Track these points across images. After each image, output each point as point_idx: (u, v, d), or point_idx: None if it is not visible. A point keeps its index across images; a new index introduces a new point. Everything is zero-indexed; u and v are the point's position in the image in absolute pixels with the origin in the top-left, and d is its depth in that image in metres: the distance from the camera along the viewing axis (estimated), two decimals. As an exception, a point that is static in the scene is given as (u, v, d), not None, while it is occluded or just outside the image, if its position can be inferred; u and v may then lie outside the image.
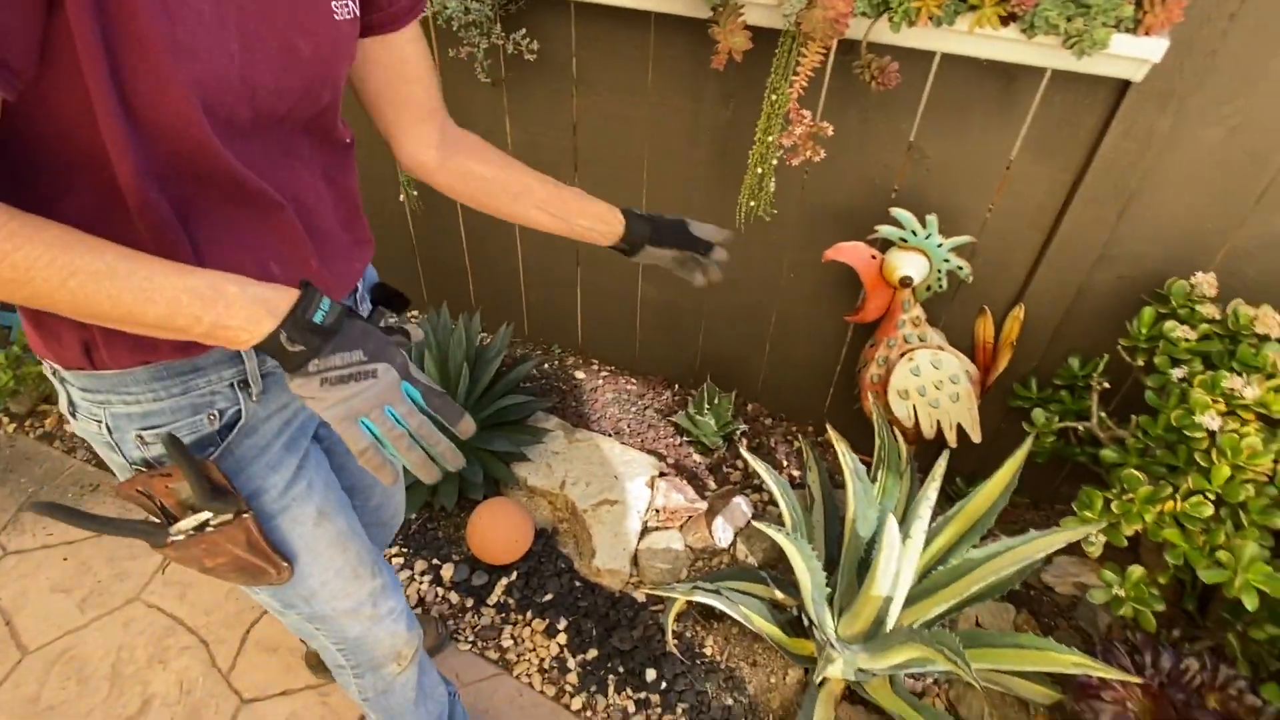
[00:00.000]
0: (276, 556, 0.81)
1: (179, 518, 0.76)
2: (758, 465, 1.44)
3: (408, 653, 1.08)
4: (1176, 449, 1.22)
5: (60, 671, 1.54)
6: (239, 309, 0.60)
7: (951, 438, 1.63)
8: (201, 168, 0.62)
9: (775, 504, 1.79)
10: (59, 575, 1.71)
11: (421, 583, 1.69)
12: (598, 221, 0.97)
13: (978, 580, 1.21)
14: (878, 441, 1.45)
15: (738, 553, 1.70)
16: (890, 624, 1.30)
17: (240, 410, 0.77)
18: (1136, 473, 1.19)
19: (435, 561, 1.73)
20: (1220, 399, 1.16)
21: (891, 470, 1.43)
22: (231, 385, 0.76)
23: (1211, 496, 1.14)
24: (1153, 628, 1.21)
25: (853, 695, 1.50)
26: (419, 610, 1.65)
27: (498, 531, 1.65)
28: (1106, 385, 1.42)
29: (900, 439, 1.66)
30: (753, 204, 1.54)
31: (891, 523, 1.08)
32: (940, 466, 1.25)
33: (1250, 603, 1.06)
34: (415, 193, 1.95)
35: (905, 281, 1.51)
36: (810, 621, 1.39)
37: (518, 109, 1.81)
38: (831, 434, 1.38)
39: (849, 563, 1.37)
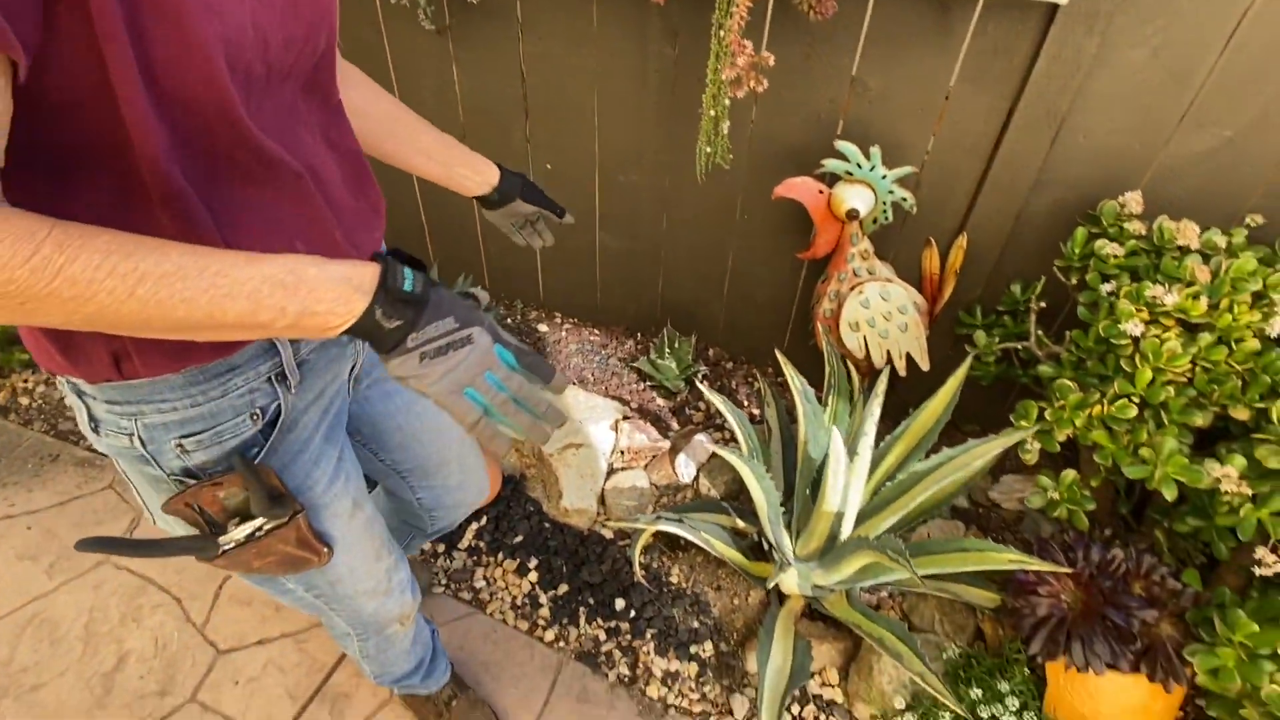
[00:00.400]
0: (320, 544, 0.82)
1: (225, 525, 0.73)
2: (714, 398, 1.48)
3: (410, 614, 1.13)
4: (1105, 359, 1.28)
5: (32, 635, 1.54)
6: (325, 291, 0.54)
7: (901, 367, 1.69)
8: (222, 141, 0.56)
9: (735, 439, 1.84)
10: (24, 544, 1.70)
11: (392, 532, 1.72)
12: (474, 171, 0.99)
13: (924, 491, 1.27)
14: (828, 369, 1.50)
15: (700, 487, 1.75)
16: (843, 540, 1.36)
17: (280, 405, 0.74)
18: (1068, 382, 1.25)
19: (405, 511, 1.76)
20: (1144, 308, 1.22)
21: (842, 396, 1.48)
22: (269, 380, 0.72)
23: (1135, 400, 1.20)
24: (1085, 526, 1.28)
25: (812, 613, 1.57)
26: (391, 558, 1.68)
27: (465, 477, 1.68)
28: (1044, 305, 1.48)
29: (853, 370, 1.71)
30: (709, 150, 1.55)
31: (836, 437, 1.13)
32: (882, 384, 1.30)
33: (1169, 493, 1.13)
34: (366, 147, 1.93)
35: (852, 214, 1.55)
36: (769, 544, 1.45)
37: (465, 57, 1.79)
38: (780, 358, 1.41)
39: (803, 485, 1.43)
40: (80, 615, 1.57)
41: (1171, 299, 1.19)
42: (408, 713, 1.43)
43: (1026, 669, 1.34)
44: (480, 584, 1.64)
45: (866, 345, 1.70)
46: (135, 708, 1.44)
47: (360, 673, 1.49)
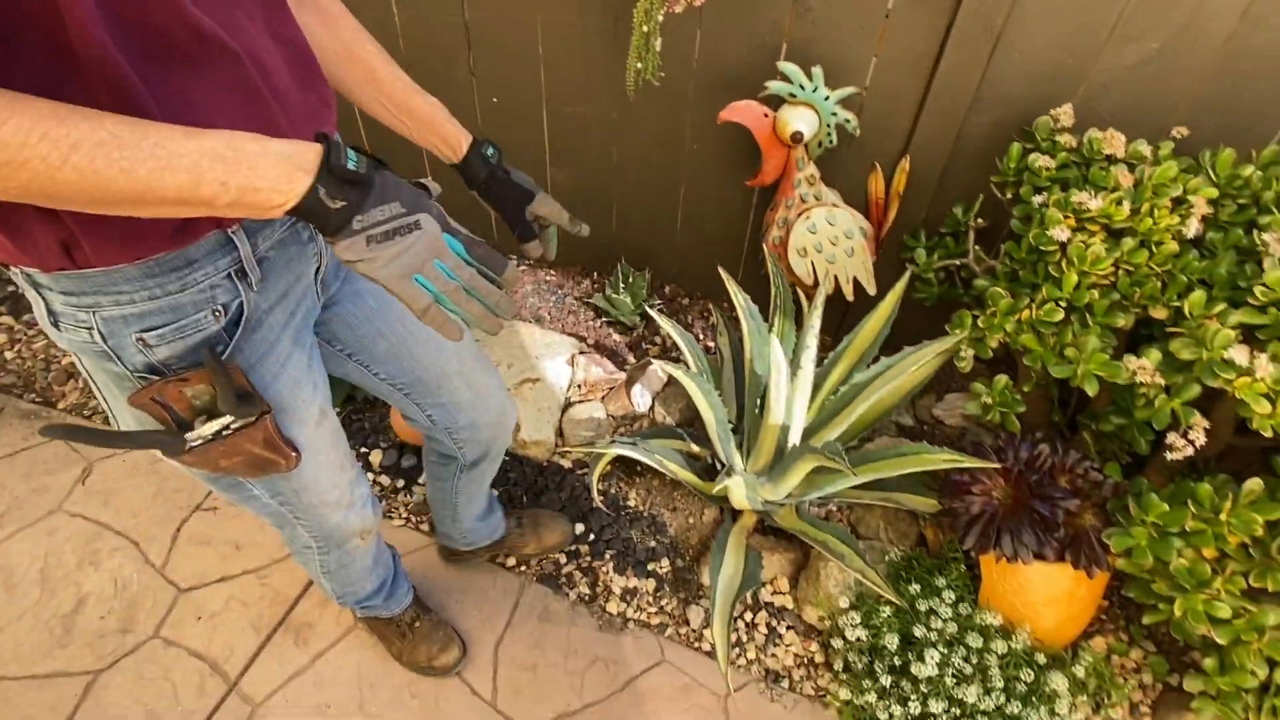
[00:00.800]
0: (287, 448, 0.82)
1: (192, 423, 0.73)
2: (664, 323, 1.50)
3: (372, 529, 1.14)
4: (1036, 267, 1.33)
5: (-14, 582, 1.53)
6: (266, 168, 0.54)
7: (849, 291, 1.73)
8: (155, 12, 0.54)
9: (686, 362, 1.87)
10: (-28, 495, 1.68)
11: (351, 470, 1.73)
12: (442, 144, 0.94)
13: (865, 402, 1.31)
14: (773, 290, 1.53)
15: (656, 415, 1.78)
16: (789, 452, 1.41)
17: (243, 303, 0.73)
18: (999, 289, 1.30)
19: (363, 449, 1.76)
20: (1070, 215, 1.26)
21: (787, 317, 1.52)
22: (229, 276, 0.71)
23: (1062, 304, 1.25)
24: (1016, 429, 1.34)
25: (765, 529, 1.63)
26: (351, 495, 1.70)
27: (421, 413, 1.69)
28: (984, 224, 1.52)
29: (802, 296, 1.74)
30: (640, 65, 1.54)
31: (776, 347, 1.16)
32: (820, 297, 1.33)
33: (1090, 388, 1.19)
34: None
35: (796, 137, 1.56)
36: (721, 462, 1.49)
37: (402, -15, 1.75)
38: (724, 275, 1.42)
39: (751, 404, 1.47)
40: (35, 561, 1.57)
41: (1096, 204, 1.23)
42: (372, 637, 1.46)
43: (963, 566, 1.41)
44: (441, 516, 1.67)
45: (814, 271, 1.73)
46: (97, 646, 1.45)
47: (325, 601, 1.52)
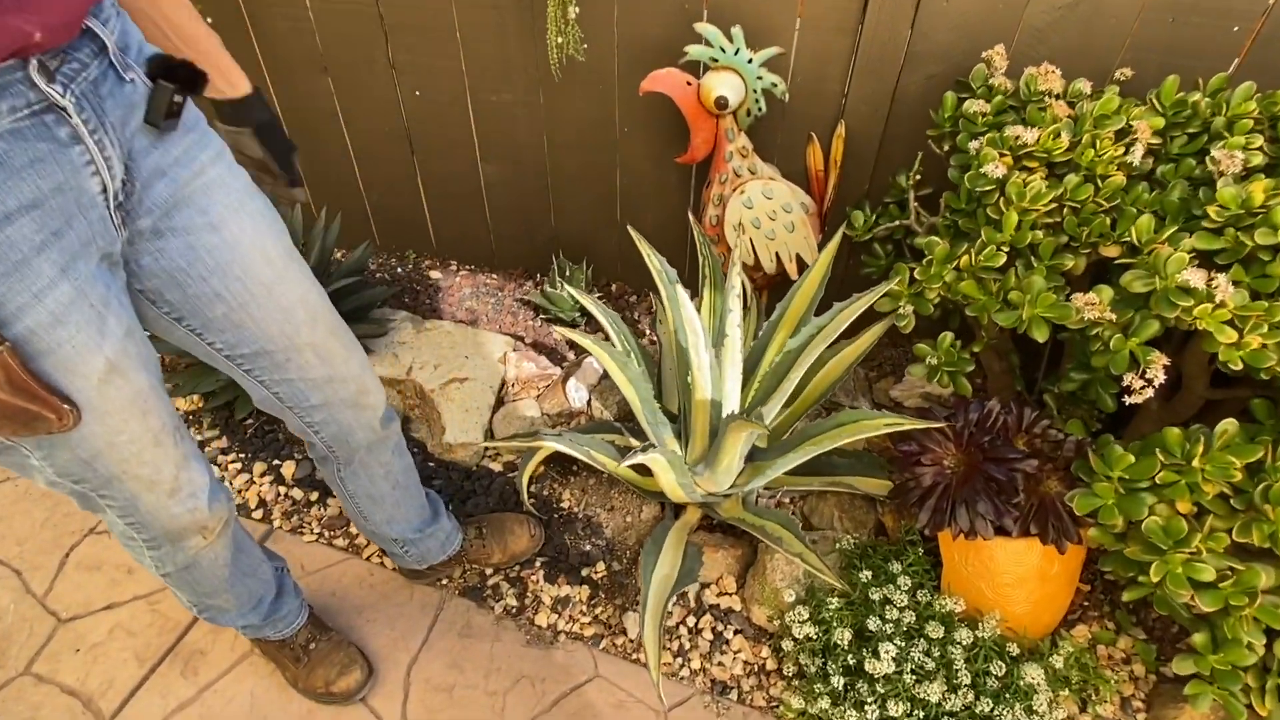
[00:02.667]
0: (52, 397, 0.68)
1: None
2: (585, 300, 1.39)
3: (214, 526, 0.99)
4: (975, 215, 1.22)
5: None
6: None
7: (792, 270, 1.62)
8: None
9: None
10: None
11: (262, 484, 1.59)
12: (221, 78, 0.84)
13: (800, 369, 1.19)
14: (701, 260, 1.41)
15: (594, 411, 1.65)
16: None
17: None
18: (934, 238, 1.19)
19: (275, 462, 1.63)
20: (1007, 152, 1.16)
21: (717, 289, 1.40)
22: None
23: (1004, 248, 1.14)
24: (968, 391, 1.22)
25: (711, 526, 1.48)
26: (260, 513, 1.55)
27: (335, 417, 1.55)
28: (923, 183, 1.42)
29: (746, 282, 1.63)
30: (560, 40, 1.47)
31: (686, 302, 1.04)
32: (737, 255, 1.21)
33: (1040, 333, 1.07)
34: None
35: (721, 103, 1.47)
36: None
37: (312, -25, 1.68)
38: (634, 234, 1.30)
39: (682, 382, 1.34)
40: (-98, 596, 1.41)
41: (1033, 136, 1.13)
42: (270, 664, 1.30)
43: (921, 551, 1.26)
44: (357, 530, 1.52)
45: (754, 249, 1.62)
46: (-42, 686, 1.29)
47: (218, 627, 1.36)
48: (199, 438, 1.69)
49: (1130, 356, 1.02)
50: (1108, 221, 1.11)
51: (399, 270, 2.14)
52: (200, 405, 1.73)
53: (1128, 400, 0.99)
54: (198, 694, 1.28)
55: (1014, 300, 1.09)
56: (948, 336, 1.21)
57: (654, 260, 1.20)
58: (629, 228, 1.32)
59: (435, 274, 2.12)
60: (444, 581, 1.43)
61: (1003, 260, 1.13)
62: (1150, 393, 0.96)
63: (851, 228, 1.45)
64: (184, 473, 0.89)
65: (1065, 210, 1.14)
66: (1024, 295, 1.08)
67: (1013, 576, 1.16)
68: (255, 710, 1.26)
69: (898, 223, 1.42)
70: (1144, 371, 0.98)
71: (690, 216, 1.45)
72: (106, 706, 1.26)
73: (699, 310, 1.18)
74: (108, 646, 1.34)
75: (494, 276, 2.12)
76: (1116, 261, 1.13)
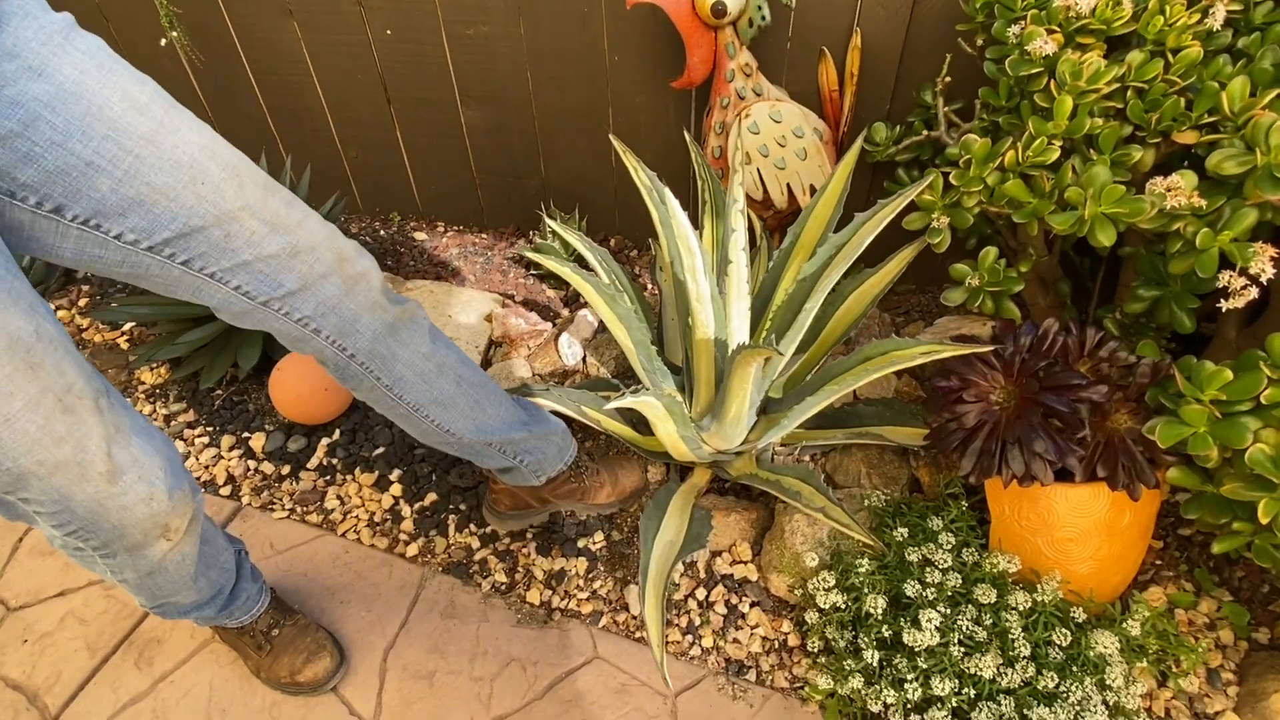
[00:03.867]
0: None
1: None
2: (570, 235, 1.23)
3: (178, 523, 0.83)
4: (1019, 109, 1.04)
5: None
6: None
7: (805, 203, 1.44)
8: None
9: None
10: None
11: (230, 459, 1.46)
12: None
13: (818, 297, 1.01)
14: (699, 184, 1.24)
15: (589, 369, 1.50)
16: (731, 376, 1.11)
17: None
18: (973, 136, 1.01)
19: (244, 434, 1.49)
20: (1056, 28, 0.98)
21: (719, 216, 1.23)
22: None
23: (1058, 141, 0.96)
24: (1016, 315, 1.04)
25: (723, 489, 1.32)
26: (228, 489, 1.42)
27: (305, 382, 1.42)
28: (949, 79, 1.23)
29: (755, 218, 1.47)
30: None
31: (681, 218, 0.88)
32: (739, 177, 1.04)
33: (1106, 237, 0.89)
34: (176, 33, 1.66)
35: (718, 10, 1.30)
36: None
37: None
38: (616, 143, 1.13)
39: (683, 325, 1.18)
40: None
41: (1087, 3, 0.94)
42: (231, 653, 1.17)
43: (965, 505, 1.09)
44: (333, 504, 1.38)
45: (762, 180, 1.45)
46: (-107, 683, 1.17)
47: (177, 614, 1.23)
48: (164, 411, 1.56)
49: (1220, 257, 0.84)
50: (1181, 103, 0.92)
51: (382, 233, 1.99)
52: (166, 377, 1.60)
53: (1224, 305, 0.81)
54: (152, 686, 1.15)
55: (1072, 199, 0.91)
56: (992, 251, 1.03)
57: (641, 175, 1.04)
58: (611, 137, 1.15)
59: (420, 235, 1.97)
60: (424, 556, 1.29)
61: (1055, 155, 0.95)
62: (1254, 294, 0.78)
63: (871, 142, 1.27)
64: (121, 449, 0.74)
65: (1129, 93, 0.96)
66: (1084, 191, 0.90)
67: (1075, 530, 0.99)
68: (214, 703, 1.12)
69: (925, 135, 1.24)
70: (1244, 269, 0.80)
71: (686, 135, 1.28)
72: (53, 701, 1.14)
73: (700, 241, 1.02)
74: (57, 636, 1.22)
75: (483, 235, 1.97)
76: (1194, 151, 0.95)
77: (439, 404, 0.97)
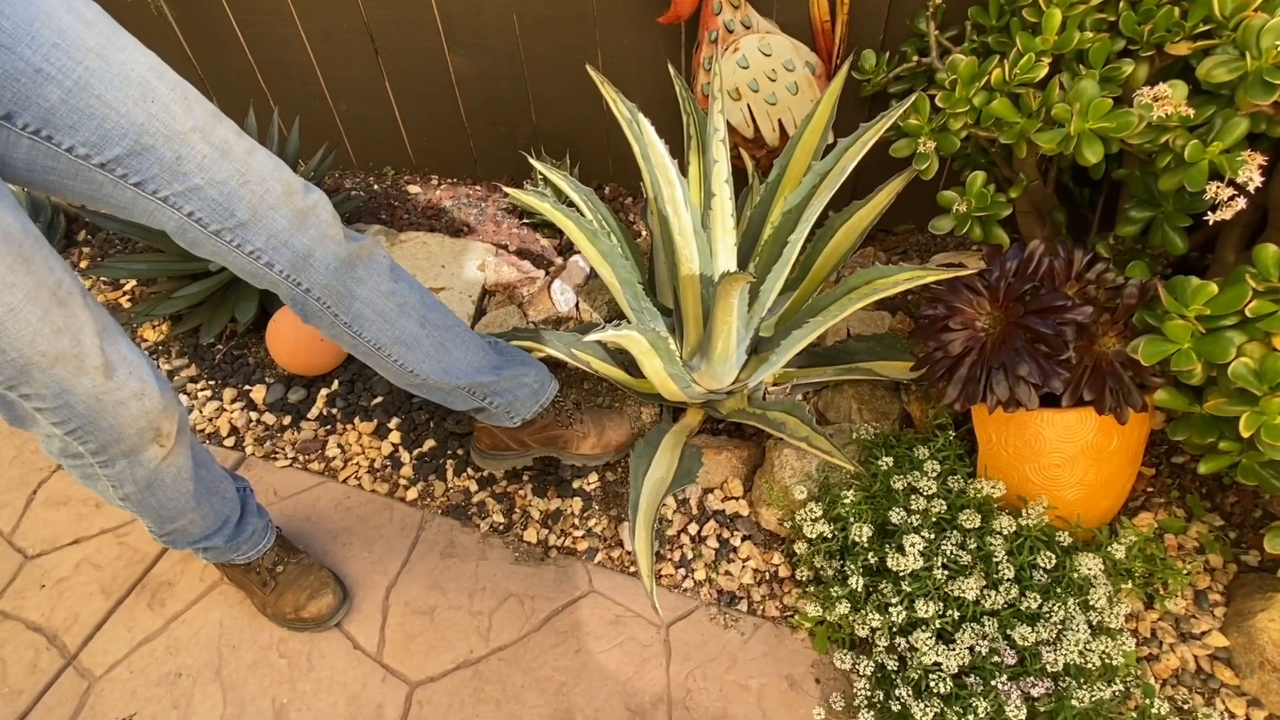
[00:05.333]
0: None
1: None
2: (555, 176, 1.22)
3: (168, 427, 0.87)
4: (1009, 27, 1.01)
5: None
6: None
7: (798, 139, 1.42)
8: None
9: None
10: None
11: (233, 411, 1.48)
12: None
13: (805, 227, 1.00)
14: (685, 120, 1.22)
15: (582, 314, 1.50)
16: (718, 312, 1.11)
17: None
18: (959, 55, 0.98)
19: (246, 387, 1.52)
20: (1046, -62, 0.94)
21: (704, 153, 1.21)
22: None
23: (1046, 58, 0.93)
24: (1004, 242, 1.02)
25: (716, 430, 1.33)
26: (231, 440, 1.45)
27: (301, 332, 1.43)
28: (941, 2, 1.19)
29: (745, 155, 1.44)
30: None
31: (651, 135, 0.86)
32: (717, 104, 1.01)
33: (1093, 153, 0.86)
34: (158, -15, 1.64)
35: (702, -62, 1.26)
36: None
37: None
38: (592, 73, 1.10)
39: (670, 264, 1.17)
40: None
41: (1077, -90, 0.90)
42: (239, 593, 1.21)
43: (951, 434, 1.09)
44: (334, 452, 1.41)
45: (753, 117, 1.42)
46: (-78, 626, 1.22)
47: (188, 556, 1.27)
48: (167, 367, 1.58)
49: (1210, 169, 0.81)
50: (1176, 13, 0.89)
51: (376, 188, 1.99)
52: (168, 333, 1.63)
53: (1211, 219, 0.79)
54: (165, 625, 1.19)
55: (1058, 116, 0.89)
56: (979, 176, 1.01)
57: (620, 106, 1.02)
58: (587, 67, 1.13)
59: (414, 189, 1.96)
60: (424, 500, 1.32)
61: (1044, 73, 0.93)
62: (1241, 204, 0.77)
63: (860, 70, 1.24)
64: (111, 346, 0.77)
65: (1121, 4, 0.92)
66: (1071, 107, 0.88)
67: (1063, 456, 0.99)
68: (224, 639, 1.16)
69: (916, 60, 1.21)
70: (1230, 180, 0.78)
71: (670, 68, 1.25)
72: (71, 641, 1.18)
73: (686, 179, 1.00)
74: (73, 581, 1.26)
75: (476, 188, 1.95)
76: (1190, 64, 0.92)
77: (401, 344, 0.97)
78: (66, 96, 0.66)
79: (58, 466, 1.44)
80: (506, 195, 1.91)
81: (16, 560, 1.30)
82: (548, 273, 1.61)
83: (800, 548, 1.10)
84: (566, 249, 1.73)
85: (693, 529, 1.21)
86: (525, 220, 1.78)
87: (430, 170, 2.02)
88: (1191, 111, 0.80)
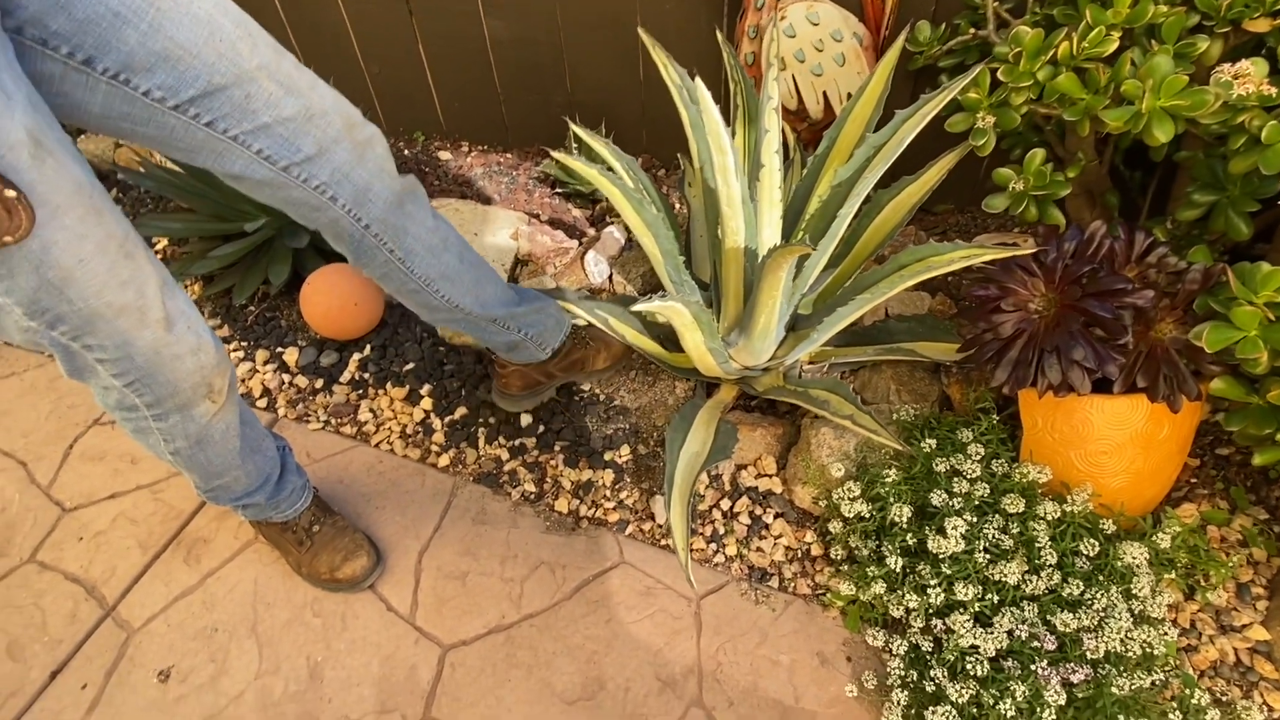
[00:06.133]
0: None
1: None
2: (595, 141, 1.20)
3: (220, 383, 0.88)
4: (1076, 1, 0.97)
5: None
6: None
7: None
8: None
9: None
10: None
11: (265, 373, 1.49)
12: None
13: (855, 201, 0.98)
14: (732, 88, 1.20)
15: (615, 287, 1.48)
16: (760, 287, 1.09)
17: None
18: (1024, 28, 0.95)
19: (278, 349, 1.52)
20: (1122, -95, 0.90)
21: (752, 122, 1.19)
22: None
23: (1116, 32, 0.90)
24: (1061, 222, 1.00)
25: (749, 407, 1.32)
26: (264, 402, 1.46)
27: (334, 296, 1.43)
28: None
29: (788, 130, 1.41)
30: None
31: (713, 111, 0.84)
32: (773, 70, 0.99)
33: (1164, 133, 0.84)
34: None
35: (754, -100, 1.22)
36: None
37: None
38: (645, 38, 1.08)
39: (712, 236, 1.15)
40: (-89, 487, 1.38)
41: (1159, -125, 0.87)
42: (274, 551, 1.22)
43: (995, 418, 1.08)
44: (365, 416, 1.41)
45: (797, 88, 1.39)
46: (-36, 573, 1.25)
47: (223, 514, 1.28)
48: (200, 328, 1.59)
49: (1287, 152, 0.79)
50: (1258, -13, 0.85)
51: (406, 153, 1.97)
52: (200, 294, 1.63)
53: (1285, 202, 0.77)
54: (200, 581, 1.21)
55: (1129, 93, 0.86)
56: (1038, 154, 0.98)
57: (671, 71, 1.00)
58: (640, 30, 1.11)
59: (445, 155, 1.94)
60: (455, 466, 1.32)
61: (1114, 47, 0.89)
62: (1320, 187, 0.74)
63: (915, 42, 1.20)
64: (170, 299, 0.78)
65: (1200, -23, 0.89)
66: (1142, 84, 0.85)
67: (1110, 443, 0.97)
68: (259, 597, 1.18)
69: (972, 34, 1.17)
70: (1309, 164, 0.75)
71: (718, 34, 1.22)
72: (109, 593, 1.20)
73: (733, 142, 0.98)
74: (111, 535, 1.28)
75: (507, 155, 1.93)
76: (1266, 44, 0.89)
77: (446, 278, 1.01)
78: (143, 39, 0.66)
79: (94, 421, 1.46)
80: (538, 164, 1.88)
81: (54, 512, 1.32)
82: (580, 242, 1.60)
83: (835, 527, 1.09)
84: (598, 219, 1.71)
85: (725, 505, 1.21)
86: (557, 190, 1.76)
87: (461, 136, 2.00)
88: (1275, 91, 0.77)
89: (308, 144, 0.80)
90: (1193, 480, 1.12)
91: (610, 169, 1.07)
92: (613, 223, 1.68)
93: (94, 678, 1.11)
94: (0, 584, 1.23)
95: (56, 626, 1.17)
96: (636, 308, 0.88)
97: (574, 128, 1.24)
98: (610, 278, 1.49)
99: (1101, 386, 0.95)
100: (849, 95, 1.37)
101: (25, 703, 1.10)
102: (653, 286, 1.47)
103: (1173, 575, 0.98)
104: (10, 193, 0.58)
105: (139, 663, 1.12)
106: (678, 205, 1.72)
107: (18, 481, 1.37)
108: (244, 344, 1.54)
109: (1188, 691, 0.91)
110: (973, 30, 1.20)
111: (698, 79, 0.84)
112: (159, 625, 1.16)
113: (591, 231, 1.67)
